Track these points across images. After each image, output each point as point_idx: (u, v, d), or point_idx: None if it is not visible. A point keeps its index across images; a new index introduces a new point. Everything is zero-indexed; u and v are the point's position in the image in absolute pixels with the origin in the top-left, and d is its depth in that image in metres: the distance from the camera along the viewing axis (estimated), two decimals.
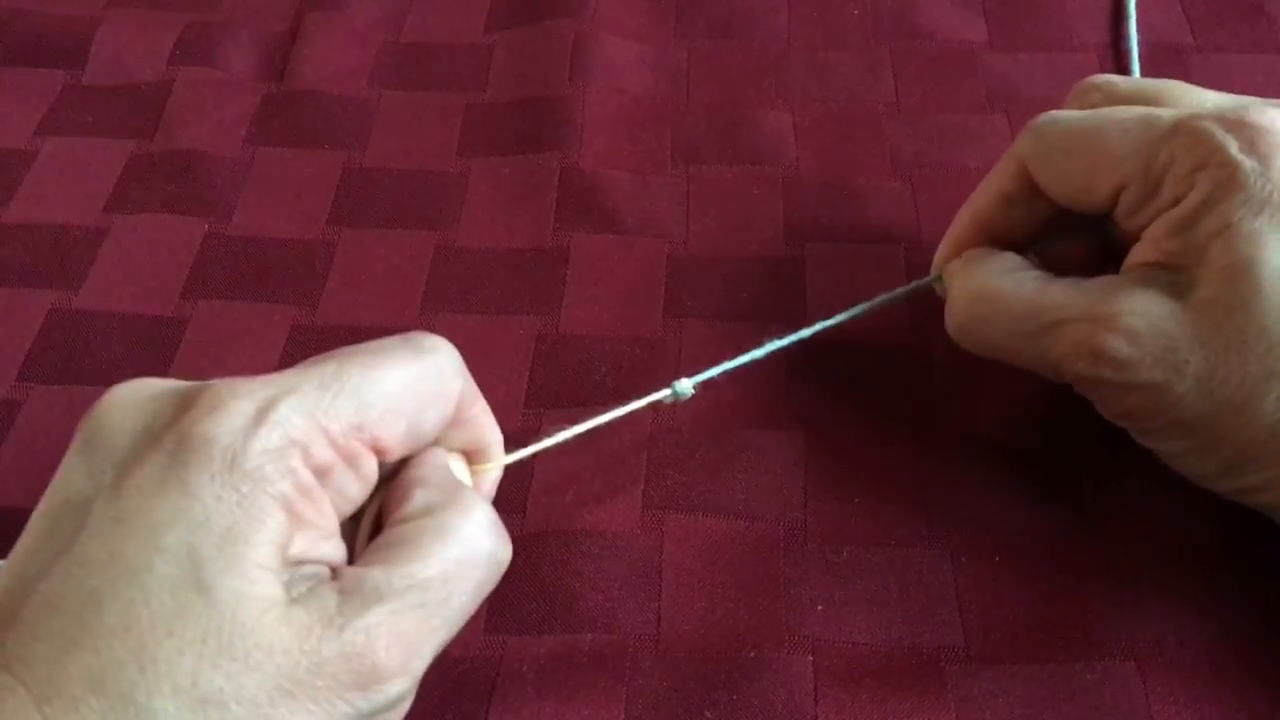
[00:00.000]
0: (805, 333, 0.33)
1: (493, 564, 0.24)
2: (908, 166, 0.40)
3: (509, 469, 0.32)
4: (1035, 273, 0.30)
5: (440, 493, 0.24)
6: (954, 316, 0.31)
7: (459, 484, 0.25)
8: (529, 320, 0.36)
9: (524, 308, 0.36)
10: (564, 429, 0.29)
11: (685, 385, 0.31)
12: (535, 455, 0.30)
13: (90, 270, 0.37)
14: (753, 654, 0.29)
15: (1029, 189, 0.31)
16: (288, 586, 0.21)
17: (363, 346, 0.24)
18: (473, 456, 0.27)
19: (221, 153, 0.41)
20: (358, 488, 0.23)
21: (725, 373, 0.32)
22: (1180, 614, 0.29)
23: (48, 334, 0.36)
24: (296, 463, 0.21)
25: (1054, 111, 0.31)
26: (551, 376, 0.35)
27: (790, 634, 0.29)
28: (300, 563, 0.21)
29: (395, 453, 0.24)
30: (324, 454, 0.22)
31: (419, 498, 0.24)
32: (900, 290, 0.34)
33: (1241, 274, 0.26)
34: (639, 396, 0.34)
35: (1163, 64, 0.43)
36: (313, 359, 0.24)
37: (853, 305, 0.34)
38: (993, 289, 0.30)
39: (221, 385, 0.22)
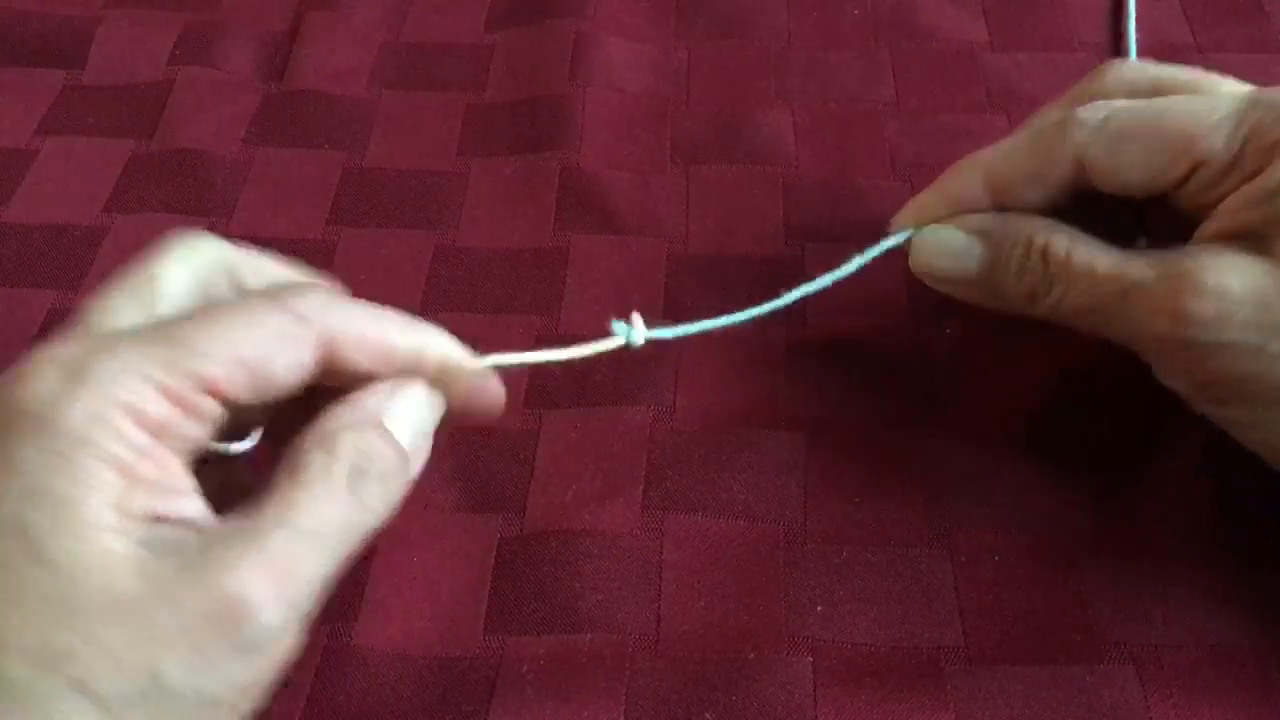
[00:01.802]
0: (779, 303, 0.31)
1: (377, 483, 0.24)
2: (908, 166, 0.40)
3: (511, 467, 0.32)
4: (1092, 238, 0.29)
5: (332, 420, 0.24)
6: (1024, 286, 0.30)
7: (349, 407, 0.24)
8: (529, 320, 0.36)
9: (524, 308, 0.36)
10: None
11: (639, 333, 0.29)
12: (537, 449, 0.29)
13: (90, 270, 0.37)
14: (752, 654, 0.29)
15: (1071, 179, 0.30)
16: (147, 544, 0.21)
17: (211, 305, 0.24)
18: (437, 377, 0.26)
19: (221, 153, 0.41)
20: (204, 433, 0.23)
21: (688, 335, 0.30)
22: (1181, 617, 0.29)
23: (48, 334, 0.36)
24: (123, 423, 0.21)
25: (1100, 103, 0.30)
26: (552, 376, 0.35)
27: (790, 634, 0.29)
28: (159, 519, 0.21)
29: (242, 398, 0.23)
30: (159, 409, 0.21)
31: (308, 439, 0.24)
32: (875, 250, 0.32)
33: None
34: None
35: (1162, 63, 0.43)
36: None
37: (852, 305, 0.34)
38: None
39: (40, 351, 0.22)
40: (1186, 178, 0.28)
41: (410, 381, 0.26)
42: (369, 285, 0.37)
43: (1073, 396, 0.31)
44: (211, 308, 0.23)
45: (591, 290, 0.37)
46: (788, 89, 0.43)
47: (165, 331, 0.22)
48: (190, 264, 0.25)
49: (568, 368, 0.35)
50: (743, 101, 0.43)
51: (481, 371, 0.27)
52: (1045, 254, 0.29)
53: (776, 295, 0.36)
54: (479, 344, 0.36)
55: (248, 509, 0.22)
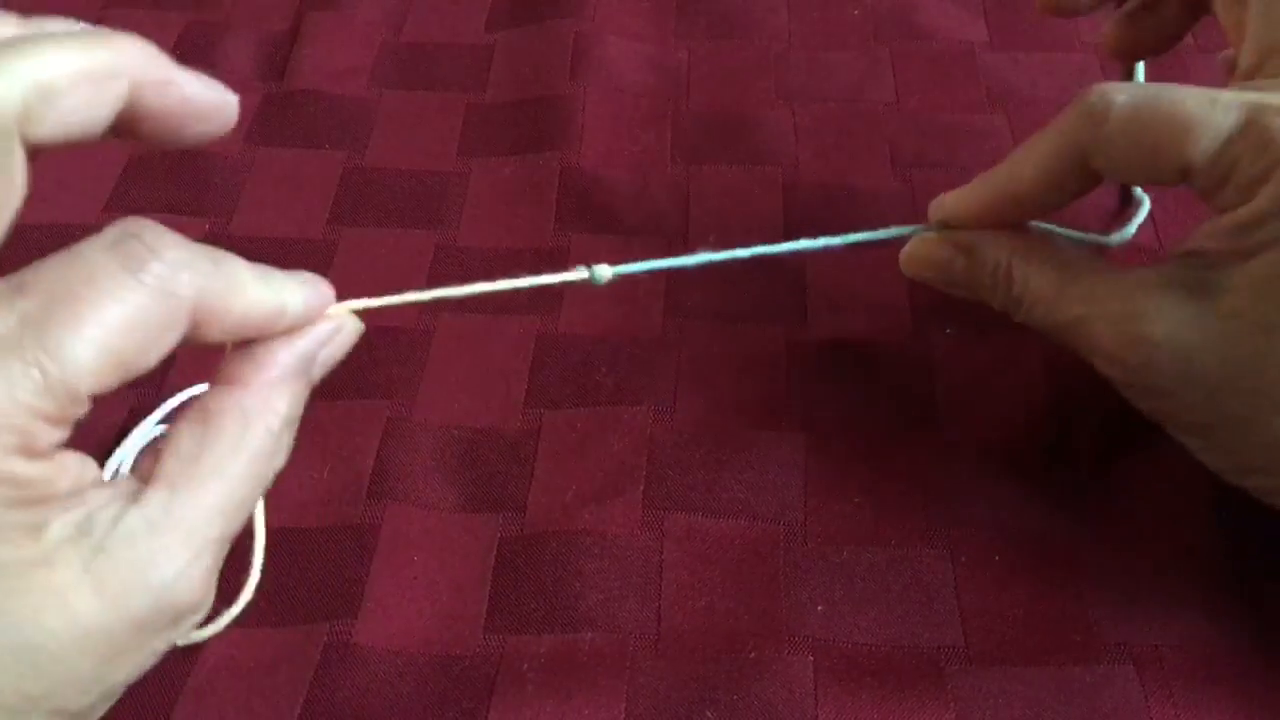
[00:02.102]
0: (742, 253, 0.30)
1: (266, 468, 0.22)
2: (908, 166, 0.40)
3: (511, 467, 0.32)
4: (1067, 256, 0.30)
5: (256, 377, 0.23)
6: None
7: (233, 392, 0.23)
8: (529, 320, 0.36)
9: (524, 308, 0.36)
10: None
11: (605, 271, 0.27)
12: (537, 449, 0.29)
13: None
14: (753, 654, 0.29)
15: (1084, 176, 0.29)
16: (84, 543, 0.20)
17: (61, 279, 0.22)
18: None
19: (222, 152, 0.41)
20: (71, 430, 0.21)
21: (651, 271, 0.29)
22: (1180, 617, 0.29)
23: None
24: (18, 465, 0.20)
25: (1101, 103, 0.28)
26: (551, 376, 0.35)
27: (790, 634, 0.29)
28: (76, 496, 0.20)
29: (109, 390, 0.21)
30: (46, 435, 0.20)
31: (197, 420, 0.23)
32: (886, 232, 0.32)
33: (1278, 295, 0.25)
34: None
35: (1162, 63, 0.43)
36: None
37: (852, 305, 0.34)
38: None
39: None
40: (1182, 179, 0.28)
41: (345, 325, 0.25)
42: (369, 285, 0.37)
43: (1073, 397, 0.31)
44: (67, 282, 0.22)
45: (591, 290, 0.37)
46: (788, 89, 0.43)
47: (29, 337, 0.20)
48: None
49: (568, 368, 0.35)
50: (743, 101, 0.43)
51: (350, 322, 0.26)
52: (1008, 278, 0.30)
53: (777, 294, 0.37)
54: (480, 343, 0.36)
55: (167, 476, 0.21)
